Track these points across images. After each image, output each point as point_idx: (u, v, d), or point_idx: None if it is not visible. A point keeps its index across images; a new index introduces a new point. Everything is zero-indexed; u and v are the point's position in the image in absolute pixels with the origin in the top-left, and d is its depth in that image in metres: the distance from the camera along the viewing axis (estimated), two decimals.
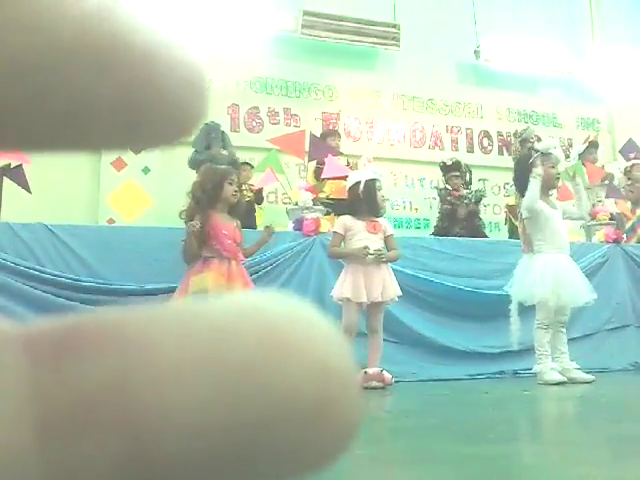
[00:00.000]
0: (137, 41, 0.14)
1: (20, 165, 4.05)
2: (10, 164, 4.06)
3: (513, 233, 5.70)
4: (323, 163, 4.66)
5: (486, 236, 5.47)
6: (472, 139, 7.49)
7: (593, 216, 5.20)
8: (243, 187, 4.69)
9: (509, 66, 7.52)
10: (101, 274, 3.83)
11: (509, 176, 4.95)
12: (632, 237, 5.19)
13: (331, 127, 6.53)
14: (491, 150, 7.55)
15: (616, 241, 4.90)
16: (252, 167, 5.36)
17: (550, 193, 4.16)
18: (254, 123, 6.65)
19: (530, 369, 3.93)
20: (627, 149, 5.96)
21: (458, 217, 5.41)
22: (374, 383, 3.60)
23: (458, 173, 5.59)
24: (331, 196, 4.66)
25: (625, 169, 5.61)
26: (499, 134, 7.58)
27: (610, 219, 5.15)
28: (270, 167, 4.56)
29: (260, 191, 5.51)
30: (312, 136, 4.67)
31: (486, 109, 7.56)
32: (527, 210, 3.99)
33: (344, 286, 3.72)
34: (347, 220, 3.87)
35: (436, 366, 4.22)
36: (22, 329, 0.15)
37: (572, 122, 7.91)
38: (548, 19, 7.64)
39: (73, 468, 0.14)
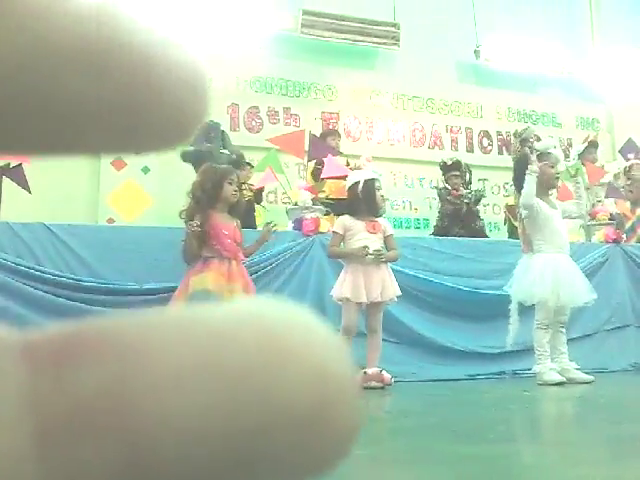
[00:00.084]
0: (136, 44, 0.14)
1: (20, 165, 4.05)
2: (10, 164, 4.06)
3: (512, 233, 5.70)
4: (322, 163, 4.66)
5: (487, 236, 5.47)
6: (472, 139, 7.49)
7: (593, 216, 5.20)
8: (243, 186, 4.68)
9: (509, 66, 7.52)
10: (101, 274, 3.83)
11: (509, 176, 4.95)
12: (632, 237, 5.19)
13: (331, 127, 6.52)
14: (491, 150, 7.55)
15: (616, 241, 4.90)
16: (252, 167, 5.36)
17: (550, 193, 4.16)
18: (254, 123, 6.65)
19: (530, 369, 3.93)
20: (627, 149, 5.96)
21: (458, 217, 5.41)
22: (373, 383, 3.60)
23: (458, 173, 5.59)
24: (331, 196, 4.66)
25: (624, 169, 5.61)
26: (499, 134, 7.58)
27: (610, 219, 5.15)
28: (270, 167, 4.56)
29: (260, 190, 5.51)
30: (312, 136, 4.67)
31: (486, 109, 7.57)
32: (524, 207, 3.99)
33: (344, 286, 3.72)
34: (346, 220, 3.87)
35: (436, 366, 4.22)
36: (20, 336, 0.15)
37: (572, 122, 7.91)
38: (548, 19, 7.64)
39: (72, 475, 0.14)
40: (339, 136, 5.79)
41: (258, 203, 5.39)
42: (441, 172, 5.78)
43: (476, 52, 7.42)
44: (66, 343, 0.14)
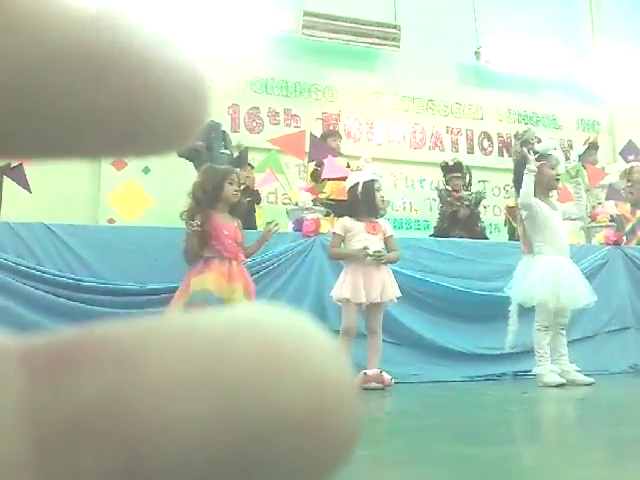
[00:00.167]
0: (136, 48, 0.14)
1: (20, 165, 4.05)
2: (10, 164, 4.06)
3: (512, 235, 5.70)
4: (321, 165, 4.66)
5: (487, 238, 5.47)
6: (472, 140, 7.50)
7: (593, 218, 5.20)
8: (244, 187, 4.69)
9: (510, 67, 7.52)
10: (101, 274, 3.83)
11: (509, 177, 4.95)
12: (632, 239, 5.19)
13: (331, 128, 6.53)
14: (491, 151, 7.55)
15: (616, 243, 4.90)
16: (252, 167, 5.36)
17: (550, 194, 4.16)
18: (254, 123, 6.65)
19: (530, 371, 3.92)
20: (627, 151, 5.96)
21: (458, 218, 5.41)
22: (373, 384, 3.60)
23: (459, 174, 5.59)
24: (331, 197, 4.66)
25: (625, 171, 5.61)
26: (499, 135, 7.58)
27: (610, 221, 5.14)
28: (270, 167, 4.56)
29: (257, 191, 5.51)
30: (312, 137, 4.67)
31: (486, 110, 7.57)
32: (523, 207, 3.99)
33: (343, 287, 3.72)
34: (347, 221, 3.87)
35: (436, 367, 4.22)
36: (19, 342, 0.15)
37: (572, 123, 7.91)
38: (549, 20, 7.64)
39: None
40: (340, 137, 5.79)
41: (257, 203, 5.39)
42: (442, 173, 5.78)
43: (477, 54, 7.42)
44: (65, 350, 0.14)
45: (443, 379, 4.09)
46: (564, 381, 3.73)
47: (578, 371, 3.87)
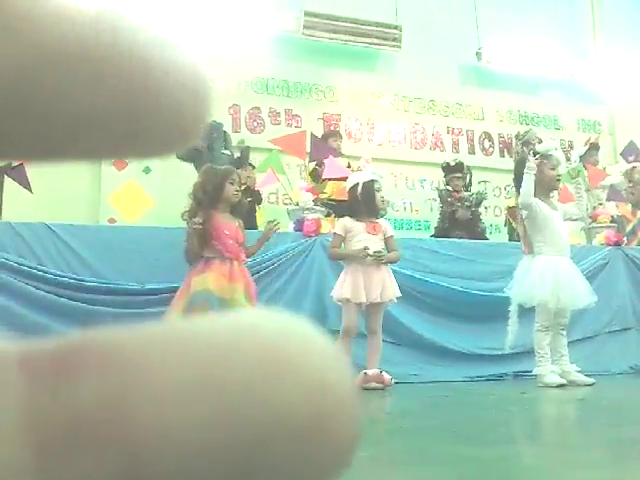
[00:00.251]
0: (136, 49, 0.14)
1: (21, 164, 4.05)
2: (11, 163, 4.06)
3: (512, 235, 5.70)
4: (321, 164, 4.66)
5: (487, 239, 5.47)
6: (473, 141, 7.49)
7: (594, 218, 5.19)
8: (244, 188, 4.68)
9: (511, 68, 7.52)
10: (102, 274, 3.84)
11: (510, 178, 4.95)
12: (633, 240, 5.19)
13: (332, 128, 6.52)
14: (492, 152, 7.55)
15: (617, 244, 4.90)
16: (253, 167, 5.36)
17: (551, 195, 4.16)
18: (255, 123, 6.65)
19: (530, 371, 3.92)
20: (628, 151, 5.95)
21: (458, 219, 5.41)
22: (373, 384, 3.61)
23: (460, 175, 5.58)
24: (332, 197, 4.66)
25: (626, 171, 5.60)
26: (500, 136, 7.58)
27: (611, 222, 5.14)
28: (271, 167, 4.56)
29: (258, 191, 5.51)
30: (313, 137, 4.67)
31: (487, 111, 7.56)
32: (523, 206, 3.99)
33: (343, 287, 3.72)
34: (347, 222, 3.87)
35: (436, 368, 4.22)
36: (20, 347, 0.15)
37: (573, 124, 7.91)
38: (550, 21, 7.64)
39: None
40: (340, 137, 5.79)
41: (258, 204, 5.38)
42: (443, 173, 5.78)
43: (478, 54, 7.42)
44: (66, 354, 0.14)
45: (443, 379, 4.09)
46: (564, 382, 3.73)
47: (579, 372, 3.87)
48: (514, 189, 4.69)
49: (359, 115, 7.05)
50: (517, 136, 5.80)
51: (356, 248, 3.76)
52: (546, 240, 3.93)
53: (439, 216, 5.65)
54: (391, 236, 3.92)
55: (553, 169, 4.03)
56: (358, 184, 3.90)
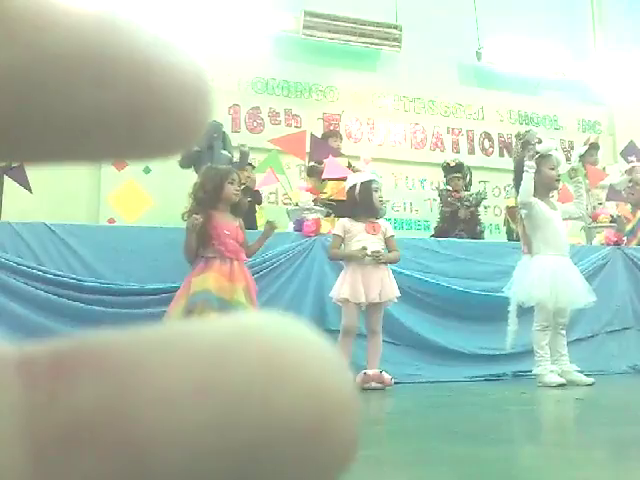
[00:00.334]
0: (137, 51, 0.14)
1: (21, 164, 4.04)
2: (11, 164, 4.06)
3: (510, 235, 5.71)
4: (320, 162, 4.66)
5: (482, 239, 5.47)
6: (473, 141, 7.49)
7: (594, 218, 5.19)
8: (244, 188, 4.68)
9: (511, 68, 7.52)
10: (101, 274, 3.83)
11: (510, 178, 4.95)
12: (632, 240, 5.19)
13: (332, 128, 6.52)
14: (492, 152, 7.55)
15: (616, 243, 4.90)
16: (253, 167, 5.36)
17: (551, 195, 4.16)
18: (255, 123, 6.65)
19: (530, 371, 3.92)
20: (628, 151, 5.95)
21: (458, 219, 5.41)
22: (373, 384, 3.61)
23: (460, 175, 5.59)
24: (332, 197, 4.66)
25: (625, 172, 5.60)
26: (500, 136, 7.58)
27: (611, 221, 5.14)
28: (271, 167, 4.56)
29: (257, 191, 5.51)
30: (313, 137, 4.67)
31: (487, 111, 7.56)
32: (522, 205, 3.99)
33: (343, 287, 3.73)
34: (346, 222, 3.88)
35: (436, 367, 4.22)
36: (17, 350, 0.14)
37: (573, 124, 7.91)
38: (550, 21, 7.64)
39: None
40: (340, 138, 5.78)
41: (258, 204, 5.39)
42: (443, 173, 5.78)
43: (478, 54, 7.42)
44: (64, 357, 0.14)
45: (443, 379, 4.09)
46: (564, 381, 3.73)
47: (578, 371, 3.87)
48: (514, 189, 4.69)
49: (359, 115, 7.05)
50: (517, 136, 5.79)
51: (355, 248, 3.77)
52: (545, 240, 3.93)
53: (439, 216, 5.65)
54: (391, 236, 3.92)
55: (553, 169, 4.03)
56: (356, 185, 3.91)
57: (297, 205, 4.49)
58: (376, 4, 7.03)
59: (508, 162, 6.33)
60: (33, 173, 4.17)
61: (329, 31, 6.85)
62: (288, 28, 6.76)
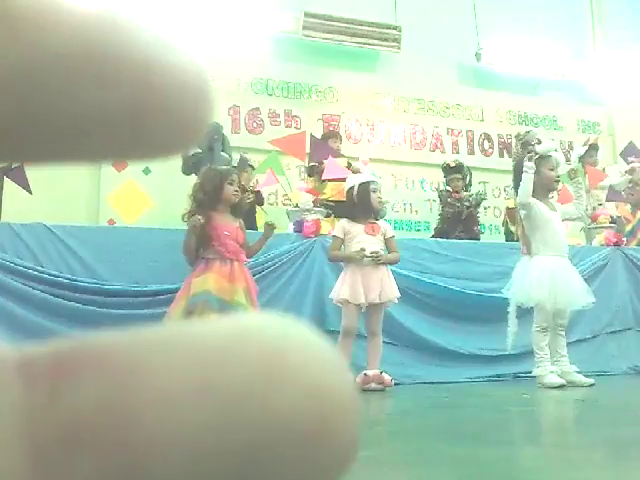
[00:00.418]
0: (138, 51, 0.14)
1: (21, 165, 4.04)
2: (11, 164, 4.06)
3: (508, 236, 5.71)
4: (321, 163, 4.66)
5: (479, 240, 5.46)
6: (473, 141, 7.49)
7: (594, 219, 5.19)
8: (245, 189, 4.68)
9: (510, 68, 7.52)
10: (101, 275, 3.83)
11: (509, 179, 4.95)
12: (632, 240, 5.19)
13: (332, 129, 6.52)
14: (492, 153, 7.55)
15: (616, 244, 4.90)
16: (253, 168, 5.36)
17: (550, 196, 4.16)
18: (255, 124, 6.65)
19: (530, 372, 3.92)
20: (627, 152, 5.95)
21: (459, 219, 5.41)
22: (373, 385, 3.60)
23: (460, 175, 5.59)
24: (332, 198, 4.66)
25: (626, 172, 5.60)
26: (500, 136, 7.58)
27: (610, 222, 5.14)
28: (271, 168, 4.56)
29: (259, 192, 5.51)
30: (313, 138, 4.67)
31: (487, 111, 7.57)
32: (521, 205, 3.99)
33: (342, 288, 3.73)
34: (345, 224, 3.88)
35: (436, 368, 4.22)
36: (17, 351, 0.14)
37: (573, 125, 7.91)
38: (549, 21, 7.64)
39: None
40: (340, 139, 5.79)
41: (260, 204, 5.39)
42: (443, 173, 5.78)
43: (477, 55, 7.42)
44: (64, 358, 0.14)
45: (443, 380, 4.09)
46: (564, 382, 3.73)
47: (578, 372, 3.87)
48: (513, 190, 4.69)
49: (359, 116, 7.05)
50: (517, 137, 5.80)
51: (354, 250, 3.77)
52: (544, 240, 3.93)
53: (439, 217, 5.65)
54: (391, 237, 3.93)
55: (552, 170, 4.03)
56: (354, 186, 3.92)
57: (297, 206, 4.49)
58: (375, 5, 7.04)
59: (508, 163, 6.33)
60: (33, 174, 4.17)
61: (329, 32, 6.85)
62: (288, 29, 6.76)
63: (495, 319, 4.10)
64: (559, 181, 4.17)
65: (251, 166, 5.39)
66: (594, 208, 5.32)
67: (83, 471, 0.13)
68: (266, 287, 3.95)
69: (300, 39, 6.76)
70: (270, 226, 3.72)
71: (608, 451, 1.98)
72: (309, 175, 4.87)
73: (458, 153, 7.13)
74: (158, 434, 0.13)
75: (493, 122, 7.59)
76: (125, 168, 4.74)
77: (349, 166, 5.06)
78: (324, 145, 4.90)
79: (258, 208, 5.29)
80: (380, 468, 1.73)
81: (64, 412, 0.14)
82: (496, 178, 7.14)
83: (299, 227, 4.26)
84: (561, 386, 3.70)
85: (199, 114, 0.15)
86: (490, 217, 6.93)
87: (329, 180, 4.63)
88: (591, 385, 3.76)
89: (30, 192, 4.16)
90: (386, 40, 7.04)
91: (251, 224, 4.50)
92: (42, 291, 3.68)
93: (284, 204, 5.87)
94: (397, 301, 3.83)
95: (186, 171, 4.77)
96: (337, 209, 4.46)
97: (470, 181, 5.75)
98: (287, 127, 6.61)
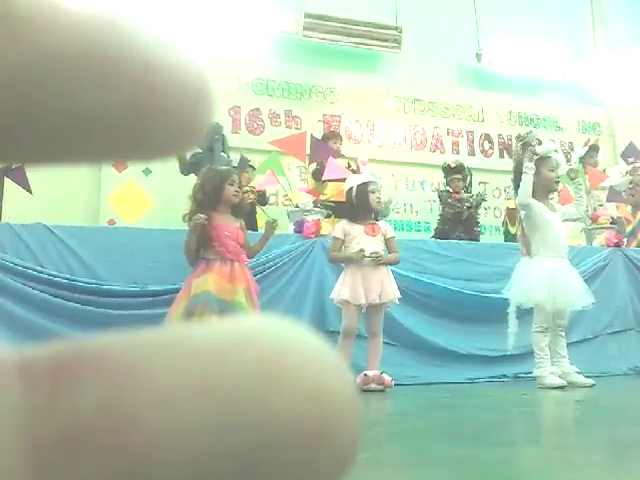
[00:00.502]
0: (138, 51, 0.14)
1: (21, 165, 4.04)
2: (11, 165, 4.06)
3: (507, 236, 5.71)
4: (323, 165, 4.66)
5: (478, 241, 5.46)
6: (473, 142, 7.50)
7: (594, 220, 5.19)
8: (246, 189, 4.68)
9: (510, 69, 7.53)
10: (101, 275, 3.83)
11: (510, 179, 4.95)
12: (633, 241, 5.19)
13: (332, 129, 6.52)
14: (492, 153, 7.55)
15: (617, 245, 4.90)
16: (254, 169, 5.36)
17: (550, 197, 4.16)
18: (255, 125, 6.65)
19: (530, 373, 3.92)
20: (628, 153, 5.95)
21: (459, 220, 5.41)
22: (374, 386, 3.60)
23: (460, 176, 5.59)
24: (332, 198, 4.66)
25: (627, 172, 5.60)
26: (500, 137, 7.59)
27: (611, 223, 5.14)
28: (271, 169, 4.56)
29: (264, 192, 5.51)
30: (313, 138, 4.67)
31: (487, 112, 7.57)
32: (521, 206, 3.99)
33: (342, 289, 3.73)
34: (345, 225, 3.88)
35: (436, 369, 4.22)
36: (17, 353, 0.14)
37: (573, 125, 7.91)
38: (550, 22, 7.65)
39: None
40: (340, 139, 5.78)
41: (263, 204, 5.38)
42: (443, 174, 5.78)
43: (478, 55, 7.43)
44: (65, 360, 0.14)
45: (443, 381, 4.09)
46: (564, 383, 3.73)
47: (578, 373, 3.87)
48: (513, 190, 4.69)
49: (359, 117, 7.05)
50: (518, 137, 5.80)
51: (354, 251, 3.77)
52: (544, 241, 3.93)
53: (439, 217, 5.65)
54: (391, 237, 3.92)
55: (552, 170, 4.03)
56: (352, 188, 3.92)
57: (297, 207, 4.49)
58: (376, 6, 7.04)
59: (508, 163, 6.32)
60: (33, 174, 4.17)
61: (329, 32, 6.86)
62: (288, 29, 6.76)
63: (495, 320, 4.10)
64: (559, 182, 4.17)
65: (251, 166, 5.40)
66: (595, 209, 5.31)
67: (83, 473, 0.13)
68: (266, 287, 3.95)
69: (300, 40, 6.76)
70: (271, 224, 3.72)
71: (608, 452, 1.98)
72: (313, 177, 4.87)
73: (458, 154, 7.13)
74: (157, 436, 0.13)
75: (493, 123, 7.59)
76: (125, 169, 4.75)
77: (348, 167, 5.06)
78: (324, 146, 4.90)
79: (258, 208, 5.30)
80: (380, 469, 1.73)
81: (64, 414, 0.14)
82: (496, 179, 7.14)
83: (299, 227, 4.26)
84: (561, 387, 3.70)
85: (199, 115, 0.15)
86: (490, 218, 6.94)
87: (329, 180, 4.63)
88: (591, 386, 3.76)
89: (30, 192, 4.16)
90: (386, 41, 7.04)
91: (251, 225, 4.50)
92: (42, 291, 3.68)
93: (284, 205, 5.87)
94: (398, 302, 3.83)
95: (184, 171, 4.76)
96: (337, 210, 4.46)
97: (470, 182, 5.75)
98: (287, 128, 6.61)
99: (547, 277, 3.82)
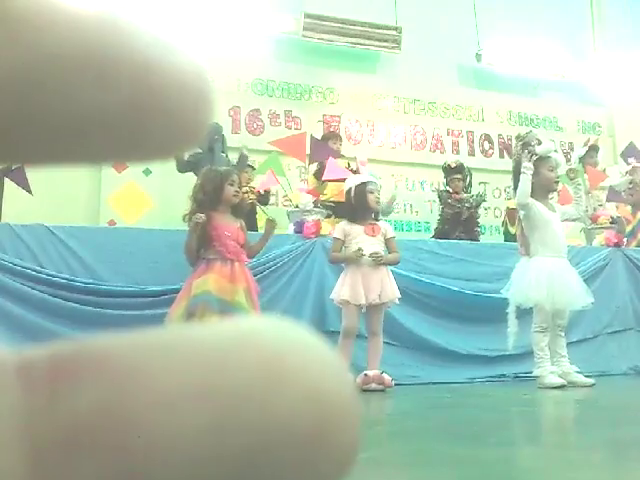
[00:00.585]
0: (138, 52, 0.14)
1: (21, 166, 4.04)
2: (11, 165, 4.05)
3: (507, 236, 5.71)
4: (324, 165, 4.66)
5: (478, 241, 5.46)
6: (473, 142, 7.50)
7: (594, 220, 5.19)
8: (246, 189, 4.68)
9: (510, 69, 7.53)
10: (101, 276, 3.83)
11: (510, 179, 4.95)
12: (632, 241, 5.19)
13: (332, 130, 6.52)
14: (492, 153, 7.55)
15: (617, 245, 4.90)
16: (253, 169, 5.36)
17: (550, 197, 4.16)
18: (255, 125, 6.65)
19: (530, 372, 3.92)
20: (628, 153, 5.95)
21: (458, 220, 5.41)
22: (374, 385, 3.60)
23: (460, 176, 5.59)
24: (332, 199, 4.66)
25: (627, 172, 5.60)
26: (500, 137, 7.59)
27: (611, 223, 5.14)
28: (271, 169, 4.56)
29: (267, 192, 5.51)
30: (313, 139, 4.67)
31: (487, 112, 7.57)
32: (520, 206, 3.99)
33: (342, 289, 3.73)
34: (345, 225, 3.88)
35: (436, 369, 4.22)
36: (17, 354, 0.14)
37: (573, 126, 7.91)
38: (549, 23, 7.65)
39: None
40: (340, 139, 5.78)
41: (265, 204, 5.38)
42: (443, 174, 5.78)
43: (477, 55, 7.43)
44: (64, 361, 0.14)
45: (443, 380, 4.09)
46: (564, 382, 3.73)
47: (578, 372, 3.87)
48: (513, 190, 4.69)
49: (359, 117, 7.05)
50: (518, 138, 5.80)
51: (353, 250, 3.77)
52: (543, 241, 3.93)
53: (439, 217, 5.65)
54: (391, 237, 3.92)
55: (551, 170, 4.03)
56: (351, 188, 3.92)
57: (297, 207, 4.49)
58: (376, 6, 7.04)
59: (508, 163, 6.32)
60: (33, 175, 4.17)
61: (329, 33, 6.86)
62: (288, 30, 6.77)
63: (495, 319, 4.10)
64: (559, 182, 4.17)
65: (251, 166, 5.40)
66: (594, 209, 5.31)
67: (82, 474, 0.13)
68: (267, 287, 3.95)
69: (300, 40, 6.76)
70: (271, 223, 3.72)
71: (608, 452, 1.98)
72: (315, 178, 4.86)
73: (458, 154, 7.13)
74: (157, 437, 0.13)
75: (493, 123, 7.59)
76: (125, 169, 4.75)
77: (348, 167, 5.06)
78: (324, 146, 4.90)
79: (258, 208, 5.30)
80: (380, 469, 1.73)
81: (63, 415, 0.14)
82: (496, 179, 7.14)
83: (299, 228, 4.26)
84: (561, 386, 3.70)
85: (199, 114, 0.15)
86: (490, 218, 6.94)
87: (329, 181, 4.63)
88: (591, 385, 3.76)
89: (30, 193, 4.16)
90: (386, 41, 7.04)
91: (251, 225, 4.50)
92: (41, 291, 3.68)
93: (284, 205, 5.87)
94: (398, 302, 3.83)
95: (181, 169, 4.76)
96: (337, 210, 4.46)
97: (470, 182, 5.75)
98: (287, 128, 6.61)
99: (546, 277, 3.82)
